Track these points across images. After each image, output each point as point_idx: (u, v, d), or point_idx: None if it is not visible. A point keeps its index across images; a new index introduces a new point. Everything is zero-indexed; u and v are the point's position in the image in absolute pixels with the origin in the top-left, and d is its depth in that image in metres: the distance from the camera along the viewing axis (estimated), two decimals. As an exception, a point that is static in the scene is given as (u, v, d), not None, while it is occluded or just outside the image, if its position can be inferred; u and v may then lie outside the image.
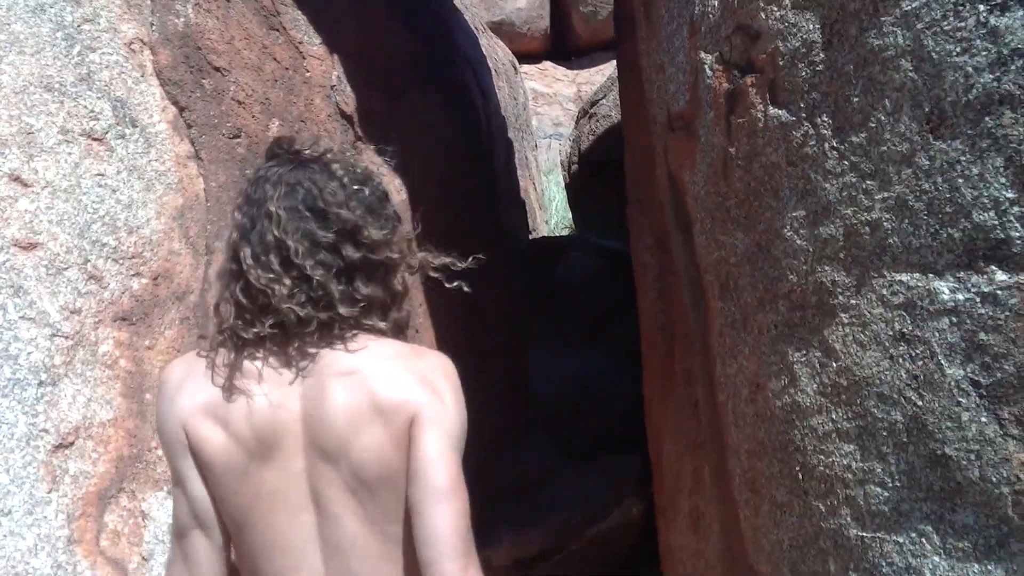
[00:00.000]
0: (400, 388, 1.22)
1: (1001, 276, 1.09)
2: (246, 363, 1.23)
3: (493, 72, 6.67)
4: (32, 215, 1.91)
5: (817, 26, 1.33)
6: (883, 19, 1.21)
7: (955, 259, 1.14)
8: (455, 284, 1.40)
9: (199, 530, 1.26)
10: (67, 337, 1.91)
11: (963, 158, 1.11)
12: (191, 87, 2.41)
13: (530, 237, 7.36)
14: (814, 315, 1.37)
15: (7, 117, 1.92)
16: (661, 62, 2.04)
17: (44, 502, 1.77)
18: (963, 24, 1.11)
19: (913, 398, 1.20)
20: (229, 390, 1.22)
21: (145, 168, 2.21)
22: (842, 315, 1.31)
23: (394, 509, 1.22)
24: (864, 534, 1.30)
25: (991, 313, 1.10)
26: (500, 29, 10.74)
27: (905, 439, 1.22)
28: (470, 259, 1.40)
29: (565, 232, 8.75)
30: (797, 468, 1.43)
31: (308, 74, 3.01)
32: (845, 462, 1.32)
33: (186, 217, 2.31)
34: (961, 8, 1.11)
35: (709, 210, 1.72)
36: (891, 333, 1.23)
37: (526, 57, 11.28)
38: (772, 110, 1.44)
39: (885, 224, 1.22)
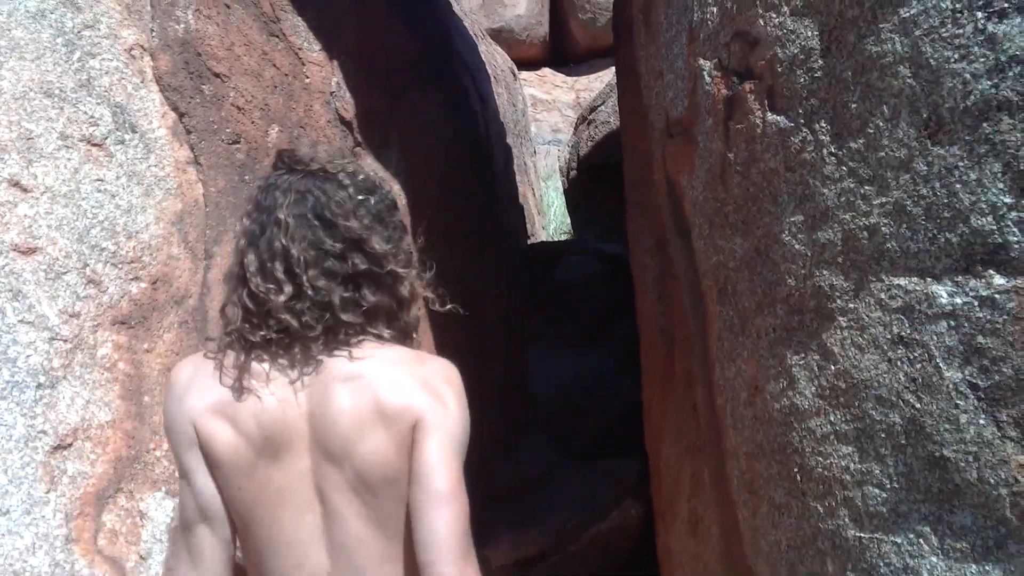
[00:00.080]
0: (404, 393, 1.24)
1: (999, 280, 1.10)
2: (254, 364, 1.26)
3: (492, 78, 6.68)
4: (31, 220, 1.91)
5: (815, 33, 1.34)
6: (881, 26, 1.21)
7: (953, 263, 1.14)
8: (448, 308, 1.43)
9: (204, 524, 1.27)
10: (66, 340, 1.91)
11: (961, 164, 1.12)
12: (191, 93, 2.42)
13: (528, 242, 7.37)
14: (812, 319, 1.38)
15: (7, 123, 1.92)
16: (660, 68, 2.04)
17: (42, 502, 1.77)
18: (961, 31, 1.11)
19: (911, 400, 1.21)
20: (238, 390, 1.24)
21: (144, 173, 2.22)
22: (840, 319, 1.32)
23: (396, 511, 1.24)
24: (862, 535, 1.30)
25: (989, 317, 1.11)
26: (499, 36, 10.77)
27: (903, 441, 1.22)
28: (448, 306, 1.43)
29: (564, 237, 8.76)
30: (795, 470, 1.44)
31: (308, 80, 3.02)
32: (843, 464, 1.32)
33: (185, 222, 2.31)
34: (959, 15, 1.12)
35: (707, 215, 1.73)
36: (889, 336, 1.23)
37: (525, 64, 11.31)
38: (770, 116, 1.45)
39: (883, 229, 1.23)
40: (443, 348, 3.38)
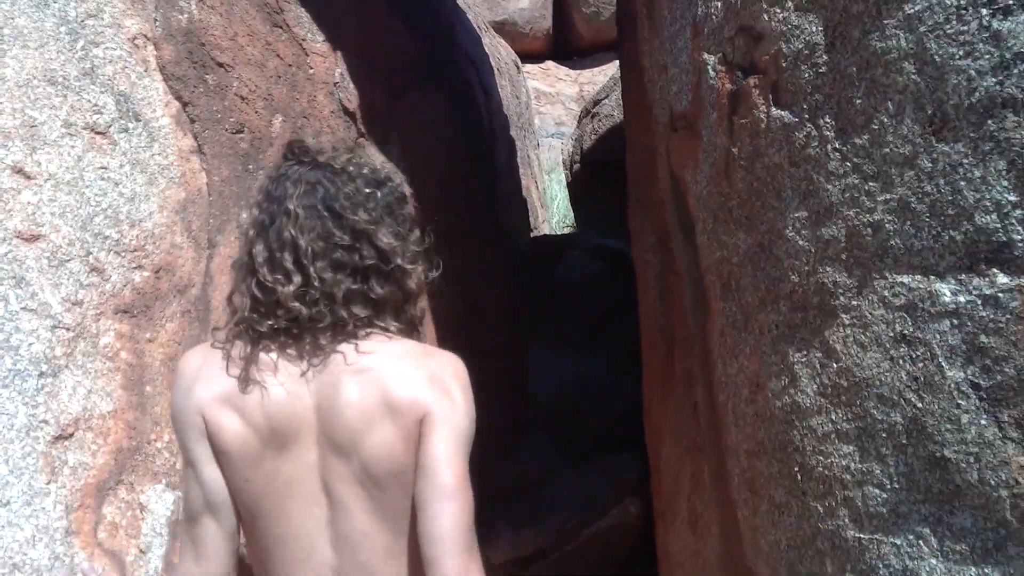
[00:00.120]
0: (411, 387, 1.24)
1: (1002, 279, 1.09)
2: (262, 355, 1.25)
3: (496, 71, 6.67)
4: (35, 207, 1.91)
5: (820, 28, 1.33)
6: (886, 22, 1.21)
7: (957, 261, 1.14)
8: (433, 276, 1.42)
9: (210, 516, 1.27)
10: (68, 329, 1.91)
11: (965, 161, 1.12)
12: (194, 82, 2.42)
13: (531, 236, 7.36)
14: (815, 316, 1.37)
15: (11, 110, 1.92)
16: (664, 62, 2.04)
17: (43, 493, 1.77)
18: (966, 28, 1.11)
19: (913, 400, 1.20)
20: (245, 380, 1.24)
21: (148, 162, 2.21)
22: (843, 316, 1.31)
23: (402, 505, 1.24)
24: (862, 535, 1.30)
25: (992, 316, 1.10)
26: (503, 29, 10.75)
27: (904, 441, 1.22)
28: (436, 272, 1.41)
29: (567, 231, 8.75)
30: (796, 468, 1.43)
31: (311, 71, 3.02)
32: (844, 463, 1.32)
33: (188, 211, 2.31)
34: (964, 12, 1.11)
35: (711, 210, 1.72)
36: (892, 334, 1.23)
37: (529, 57, 11.30)
38: (775, 111, 1.44)
39: (887, 226, 1.22)
40: (444, 347, 3.37)
